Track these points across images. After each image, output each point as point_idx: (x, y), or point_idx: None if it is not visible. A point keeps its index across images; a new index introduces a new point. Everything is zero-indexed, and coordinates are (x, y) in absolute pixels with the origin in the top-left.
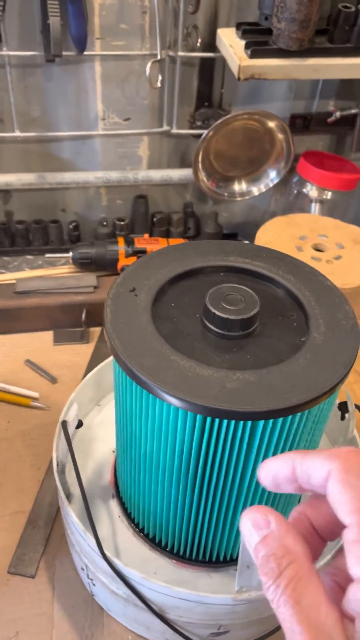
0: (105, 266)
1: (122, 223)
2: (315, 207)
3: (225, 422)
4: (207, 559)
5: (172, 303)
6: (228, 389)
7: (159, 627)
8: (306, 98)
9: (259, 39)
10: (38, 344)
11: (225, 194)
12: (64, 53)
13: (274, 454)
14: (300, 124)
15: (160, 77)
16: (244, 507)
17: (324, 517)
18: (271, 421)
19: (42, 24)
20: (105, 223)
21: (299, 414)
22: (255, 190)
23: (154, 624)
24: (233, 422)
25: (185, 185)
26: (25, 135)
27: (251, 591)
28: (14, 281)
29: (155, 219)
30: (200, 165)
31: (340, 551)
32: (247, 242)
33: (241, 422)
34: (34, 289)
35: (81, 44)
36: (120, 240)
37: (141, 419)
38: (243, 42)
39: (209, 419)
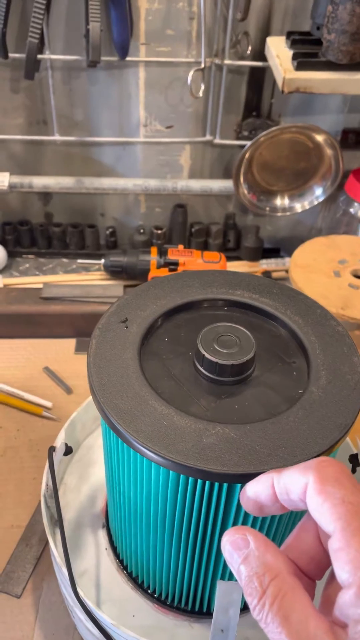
0: (136, 276)
1: (159, 232)
2: None
3: (199, 480)
4: (189, 607)
5: (166, 338)
6: (203, 445)
7: None
8: None
9: (308, 50)
10: (59, 351)
11: (267, 208)
12: (108, 58)
13: (256, 518)
14: (352, 139)
15: (202, 87)
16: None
17: (307, 555)
18: None
19: (86, 29)
20: (142, 231)
21: None
22: (299, 207)
23: None
24: (208, 482)
25: (228, 196)
26: (64, 139)
27: None
28: (41, 285)
29: (193, 230)
30: (242, 177)
31: (330, 580)
32: (261, 276)
33: (216, 483)
34: (60, 295)
35: (123, 51)
36: (154, 250)
37: (118, 462)
38: (291, 53)
39: (182, 476)
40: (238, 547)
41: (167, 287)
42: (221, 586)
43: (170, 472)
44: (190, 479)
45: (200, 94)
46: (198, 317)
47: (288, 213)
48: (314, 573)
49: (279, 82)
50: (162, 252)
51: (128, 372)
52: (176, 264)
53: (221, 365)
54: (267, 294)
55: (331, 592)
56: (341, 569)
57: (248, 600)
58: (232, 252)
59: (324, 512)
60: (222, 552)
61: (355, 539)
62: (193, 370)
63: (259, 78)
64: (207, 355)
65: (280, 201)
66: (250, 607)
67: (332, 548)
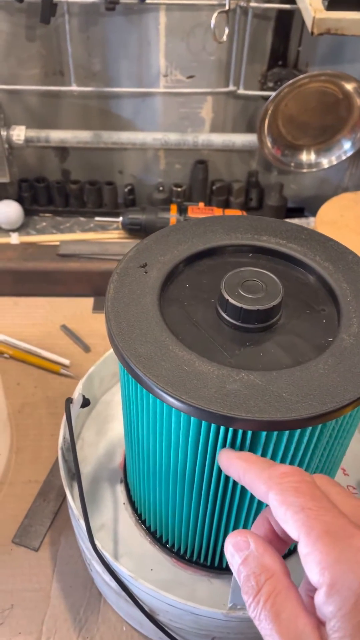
0: None
1: (179, 189)
2: None
3: (222, 427)
4: (209, 563)
5: (187, 284)
6: (227, 391)
7: (151, 625)
8: None
9: None
10: (77, 309)
11: (292, 163)
12: (126, 0)
13: None
14: None
15: (227, 30)
16: (248, 513)
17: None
18: (275, 433)
19: None
20: (161, 188)
21: (309, 428)
22: (325, 162)
23: (146, 622)
24: (231, 429)
25: (250, 152)
26: (81, 89)
27: (245, 610)
28: (58, 243)
29: (214, 187)
30: (266, 129)
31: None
32: (288, 221)
33: (240, 431)
34: (77, 252)
35: None
36: (173, 207)
37: (137, 410)
38: None
39: (204, 422)
40: (239, 549)
41: (189, 232)
42: None
43: (192, 419)
44: (213, 426)
45: (224, 38)
46: (221, 264)
47: (314, 169)
48: (288, 538)
49: (309, 24)
50: (182, 210)
51: (147, 317)
52: None
53: (246, 310)
54: (294, 240)
55: (309, 594)
56: (311, 571)
57: (245, 598)
58: (255, 211)
59: (287, 521)
60: (225, 552)
61: (319, 542)
62: (216, 317)
63: (286, 24)
64: (231, 300)
65: (306, 156)
66: (247, 604)
67: (301, 554)
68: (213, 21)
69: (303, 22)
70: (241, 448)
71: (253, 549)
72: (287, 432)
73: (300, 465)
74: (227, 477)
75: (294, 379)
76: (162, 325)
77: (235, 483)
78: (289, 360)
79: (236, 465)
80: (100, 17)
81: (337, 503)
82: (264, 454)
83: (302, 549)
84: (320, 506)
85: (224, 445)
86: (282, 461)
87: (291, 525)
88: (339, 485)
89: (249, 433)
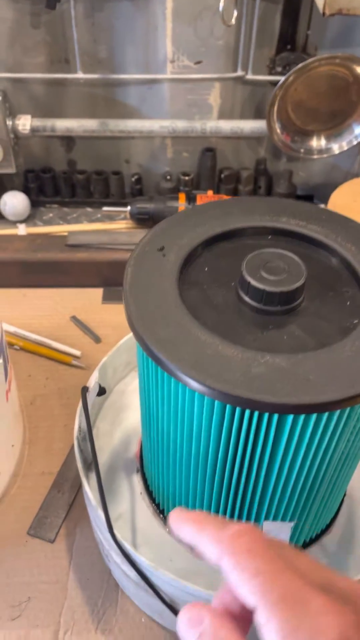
0: None
1: (186, 178)
2: None
3: (247, 412)
4: None
5: (206, 267)
6: (252, 374)
7: (171, 615)
8: None
9: None
10: (86, 300)
11: (302, 150)
12: None
13: (307, 452)
14: None
15: (235, 13)
16: (271, 501)
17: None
18: (302, 417)
19: None
20: (169, 177)
21: (337, 411)
22: (336, 148)
23: (166, 612)
24: (256, 413)
25: (259, 139)
26: (87, 76)
27: None
28: (66, 234)
29: (222, 175)
30: (275, 115)
31: None
32: (307, 202)
33: (266, 414)
34: (85, 242)
35: None
36: (182, 196)
37: (157, 396)
38: None
39: (228, 407)
40: (192, 625)
41: (206, 214)
42: (267, 527)
43: (216, 403)
44: (237, 410)
45: (233, 21)
46: (240, 247)
47: (324, 155)
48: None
49: (320, 4)
50: (191, 198)
51: (167, 300)
52: None
53: (268, 292)
54: (315, 221)
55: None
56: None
57: None
58: None
59: (241, 586)
60: (177, 627)
61: (276, 608)
62: (236, 300)
63: (294, 6)
64: (252, 282)
65: (316, 142)
66: None
67: (258, 623)
68: (221, 4)
69: (312, 5)
70: (266, 432)
71: (207, 626)
72: (314, 416)
73: (326, 449)
74: (249, 464)
75: (320, 361)
76: (182, 308)
77: (257, 472)
78: (314, 343)
79: (186, 529)
80: (106, 3)
81: (291, 561)
82: (290, 438)
83: (259, 618)
84: (275, 569)
85: (248, 430)
86: (308, 447)
87: (246, 590)
88: (288, 545)
89: (275, 417)
